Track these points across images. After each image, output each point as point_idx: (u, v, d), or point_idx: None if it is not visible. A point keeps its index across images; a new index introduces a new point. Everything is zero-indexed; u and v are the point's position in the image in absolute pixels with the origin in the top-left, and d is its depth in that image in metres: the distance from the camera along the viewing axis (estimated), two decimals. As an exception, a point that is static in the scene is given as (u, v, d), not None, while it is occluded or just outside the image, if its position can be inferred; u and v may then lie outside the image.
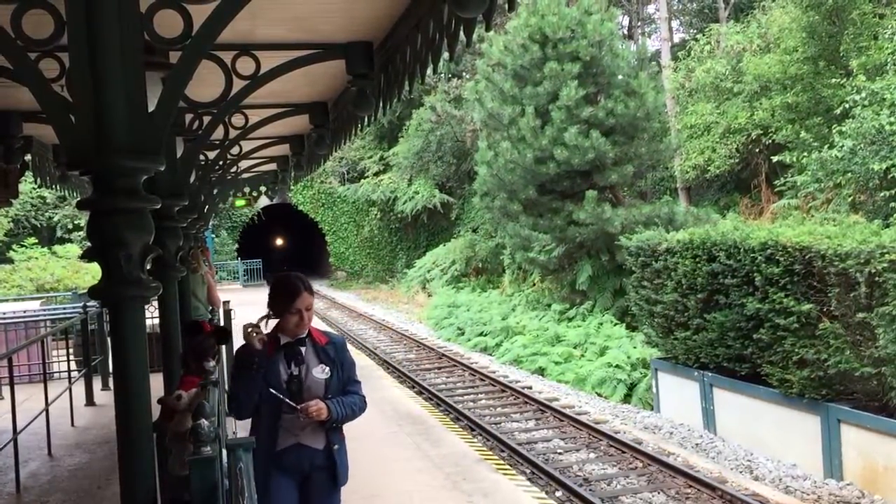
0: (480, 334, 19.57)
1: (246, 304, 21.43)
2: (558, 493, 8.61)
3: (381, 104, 4.97)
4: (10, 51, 2.27)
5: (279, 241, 51.74)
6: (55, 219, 30.34)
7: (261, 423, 3.70)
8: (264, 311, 3.78)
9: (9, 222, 24.39)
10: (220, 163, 6.86)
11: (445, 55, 3.64)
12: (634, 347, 14.86)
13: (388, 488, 6.37)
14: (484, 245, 27.03)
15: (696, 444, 10.73)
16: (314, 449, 3.72)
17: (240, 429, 8.14)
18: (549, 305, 19.67)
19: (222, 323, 9.27)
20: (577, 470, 9.50)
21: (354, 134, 6.58)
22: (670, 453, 10.04)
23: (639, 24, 39.34)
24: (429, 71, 4.00)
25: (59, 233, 29.76)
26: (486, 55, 20.53)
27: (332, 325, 23.21)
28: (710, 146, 21.35)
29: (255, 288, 33.08)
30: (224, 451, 3.09)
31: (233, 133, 5.80)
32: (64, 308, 12.30)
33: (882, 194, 13.63)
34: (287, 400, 3.60)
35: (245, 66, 4.04)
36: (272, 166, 10.04)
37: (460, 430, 9.85)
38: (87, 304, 10.13)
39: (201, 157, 6.08)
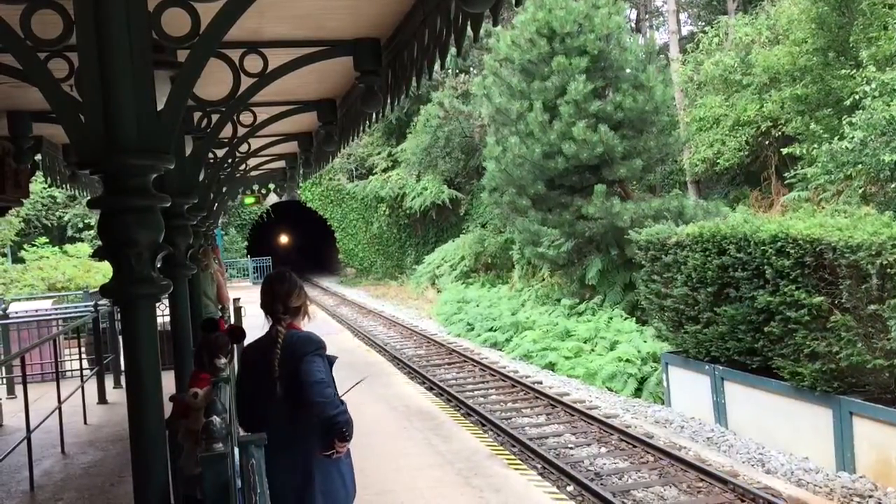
0: (490, 330, 19.57)
1: (256, 302, 21.53)
2: (570, 488, 8.61)
3: (388, 100, 4.98)
4: (19, 51, 2.28)
5: (289, 239, 51.87)
6: (66, 218, 30.50)
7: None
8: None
9: (20, 222, 24.50)
10: (229, 161, 6.88)
11: (453, 51, 3.64)
12: (645, 342, 14.83)
13: (398, 484, 6.38)
14: (493, 240, 27.01)
15: (708, 438, 10.71)
16: None
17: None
18: (559, 300, 19.65)
19: (232, 321, 9.31)
20: (588, 464, 9.50)
21: (363, 130, 6.60)
22: (682, 447, 10.03)
23: (646, 17, 39.24)
24: (436, 67, 4.00)
25: (69, 232, 29.91)
26: (494, 50, 20.49)
27: (342, 321, 23.25)
28: (720, 139, 21.27)
29: (265, 285, 33.16)
30: (236, 449, 3.10)
31: (241, 131, 5.81)
32: (75, 307, 12.37)
33: (893, 186, 13.55)
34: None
35: (253, 63, 4.04)
36: (281, 164, 10.06)
37: (471, 425, 9.86)
38: (99, 302, 10.18)
39: (210, 155, 6.09)
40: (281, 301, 3.58)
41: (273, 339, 3.53)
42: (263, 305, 3.64)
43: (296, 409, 3.45)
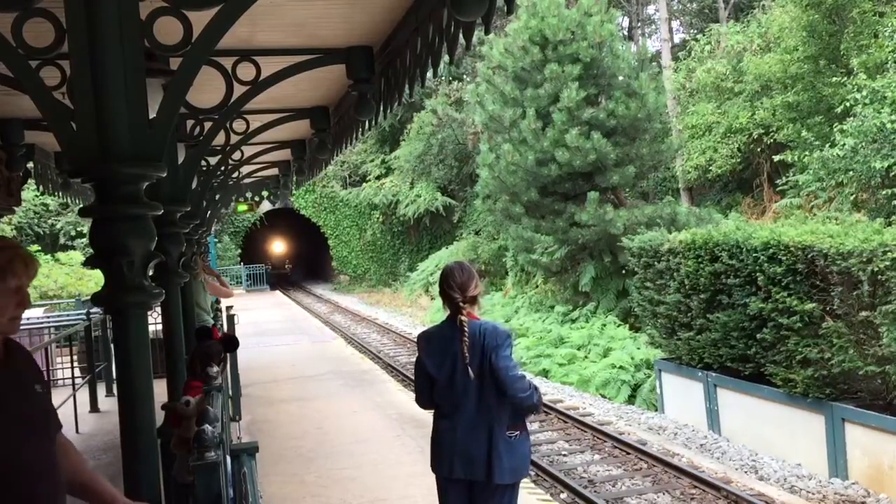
0: (484, 337, 19.50)
1: (249, 310, 21.42)
2: (563, 495, 8.60)
3: (382, 108, 4.99)
4: (11, 59, 2.28)
5: (282, 246, 51.81)
6: (58, 226, 30.39)
7: None
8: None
9: (12, 230, 24.43)
10: (222, 168, 6.86)
11: (445, 58, 3.65)
12: (638, 348, 14.84)
13: (393, 492, 6.37)
14: (486, 247, 27.02)
15: (701, 445, 10.71)
16: None
17: (244, 434, 8.15)
18: (553, 307, 19.65)
19: (225, 326, 9.29)
20: (581, 471, 9.49)
21: (356, 138, 6.60)
22: (675, 454, 10.03)
23: (639, 24, 39.40)
24: (429, 74, 4.02)
25: (62, 240, 29.79)
26: (487, 58, 20.53)
27: (335, 328, 23.21)
28: (712, 146, 21.35)
29: (259, 293, 33.06)
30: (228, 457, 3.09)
31: (234, 138, 5.81)
32: (68, 315, 12.31)
33: (884, 192, 13.61)
34: None
35: (246, 71, 4.05)
36: (274, 171, 10.06)
37: (464, 432, 9.82)
38: (91, 310, 10.14)
39: (203, 162, 6.08)
40: (461, 290, 3.76)
41: (458, 327, 3.75)
42: (442, 294, 3.84)
43: (484, 389, 3.72)
